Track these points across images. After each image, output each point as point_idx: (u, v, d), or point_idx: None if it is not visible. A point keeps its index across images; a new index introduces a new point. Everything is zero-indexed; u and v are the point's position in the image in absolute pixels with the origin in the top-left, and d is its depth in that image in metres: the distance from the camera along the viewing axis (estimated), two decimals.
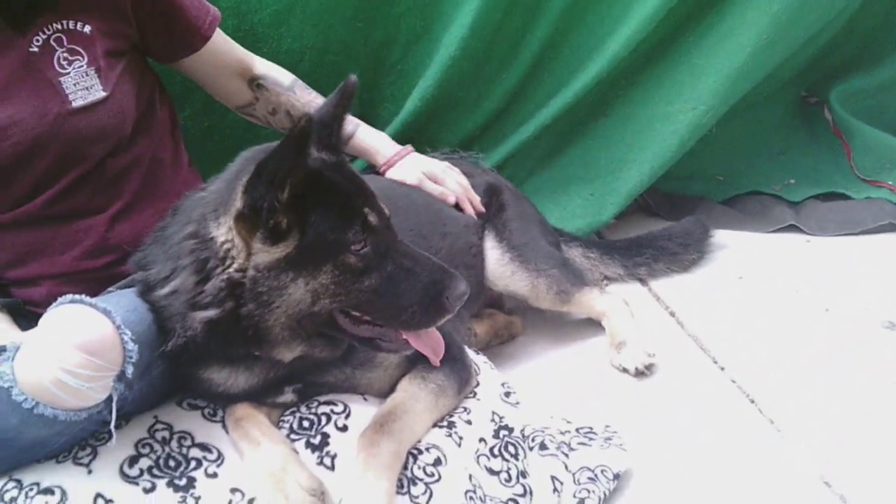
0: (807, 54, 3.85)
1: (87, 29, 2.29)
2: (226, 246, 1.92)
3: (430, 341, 2.11)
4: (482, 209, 2.90)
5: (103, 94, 2.30)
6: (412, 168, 2.87)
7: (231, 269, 1.94)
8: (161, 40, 2.52)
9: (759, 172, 3.94)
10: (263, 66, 2.81)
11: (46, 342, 1.84)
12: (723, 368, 2.79)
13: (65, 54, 2.26)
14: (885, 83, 4.07)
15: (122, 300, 2.05)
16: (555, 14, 3.38)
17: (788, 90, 4.08)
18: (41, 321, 1.91)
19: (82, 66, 2.28)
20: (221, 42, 2.68)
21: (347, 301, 1.96)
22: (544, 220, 3.17)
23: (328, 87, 3.16)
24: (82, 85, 2.27)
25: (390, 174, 2.87)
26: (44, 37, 2.24)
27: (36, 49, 2.24)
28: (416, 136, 3.37)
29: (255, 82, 2.78)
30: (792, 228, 3.66)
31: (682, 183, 3.88)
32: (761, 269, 3.39)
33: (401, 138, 3.27)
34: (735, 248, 3.55)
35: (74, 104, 2.26)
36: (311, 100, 2.82)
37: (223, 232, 1.92)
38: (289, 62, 3.11)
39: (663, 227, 3.56)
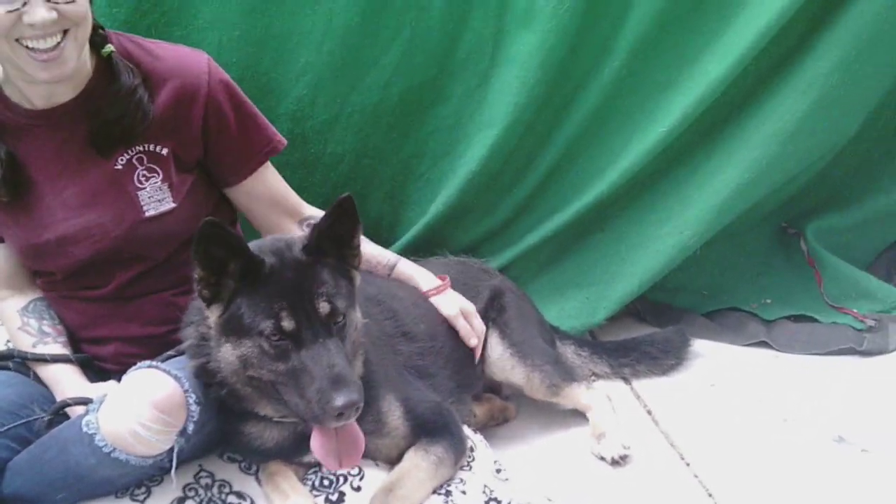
0: (786, 193, 4.07)
1: (164, 151, 2.51)
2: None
3: (330, 443, 2.19)
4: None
5: (172, 205, 2.52)
6: (453, 301, 2.97)
7: (203, 324, 2.27)
8: (221, 164, 2.66)
9: (738, 291, 4.09)
10: (310, 209, 2.87)
11: (127, 399, 2.12)
12: (688, 464, 2.97)
13: (143, 172, 2.49)
14: (855, 223, 4.24)
15: (182, 363, 2.33)
16: (563, 142, 3.65)
17: (769, 221, 4.26)
18: (123, 380, 2.22)
19: (157, 181, 2.50)
20: (272, 177, 2.78)
21: (270, 376, 2.14)
22: (542, 319, 3.42)
23: (362, 186, 3.57)
24: (156, 198, 2.50)
25: (448, 297, 2.98)
26: (127, 157, 2.48)
27: (120, 167, 2.48)
28: (435, 237, 3.69)
29: (304, 222, 2.82)
30: (763, 344, 3.79)
31: (669, 294, 4.04)
32: (732, 378, 3.54)
33: (423, 238, 3.65)
34: (710, 357, 3.71)
35: (147, 214, 2.50)
36: (375, 254, 2.96)
37: None
38: (330, 163, 3.50)
39: (648, 332, 3.76)
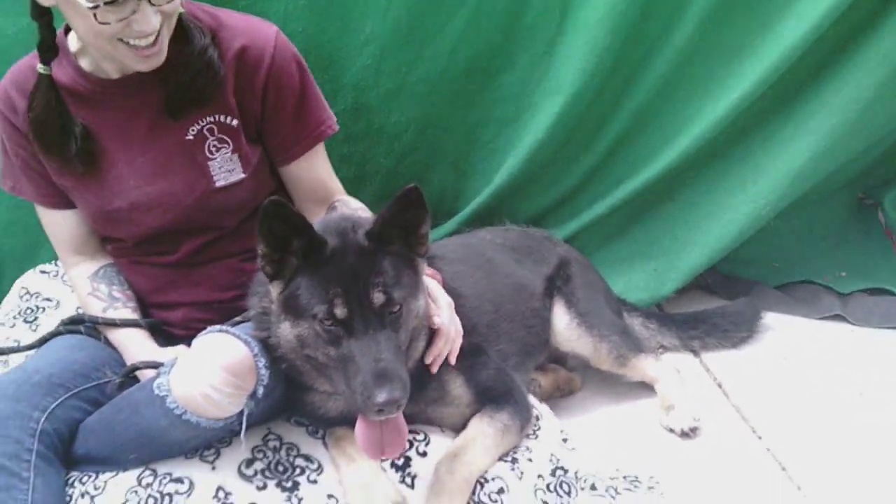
0: (863, 162, 3.96)
1: (235, 123, 2.49)
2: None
3: (374, 433, 2.14)
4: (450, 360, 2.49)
5: (242, 175, 2.52)
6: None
7: (266, 298, 2.25)
8: (270, 143, 2.62)
9: (812, 263, 4.02)
10: (341, 194, 2.79)
11: (199, 362, 2.12)
12: (760, 437, 2.95)
13: (214, 142, 2.48)
14: None
15: (251, 329, 2.33)
16: (632, 111, 3.57)
17: (846, 191, 4.16)
18: (193, 344, 2.21)
19: (227, 152, 2.50)
20: (318, 164, 2.72)
21: (323, 358, 2.12)
22: (609, 289, 3.38)
23: (427, 156, 3.56)
24: (226, 168, 2.50)
25: None
26: (198, 127, 2.47)
27: (191, 137, 2.47)
28: (500, 207, 3.66)
29: (331, 204, 2.74)
30: (838, 317, 3.71)
31: (740, 266, 3.97)
32: (805, 353, 3.48)
33: (487, 209, 3.62)
34: (783, 330, 3.64)
35: (217, 184, 2.50)
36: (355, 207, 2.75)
37: None
38: (394, 132, 3.47)
39: (718, 305, 3.70)
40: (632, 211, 3.80)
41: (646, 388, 3.18)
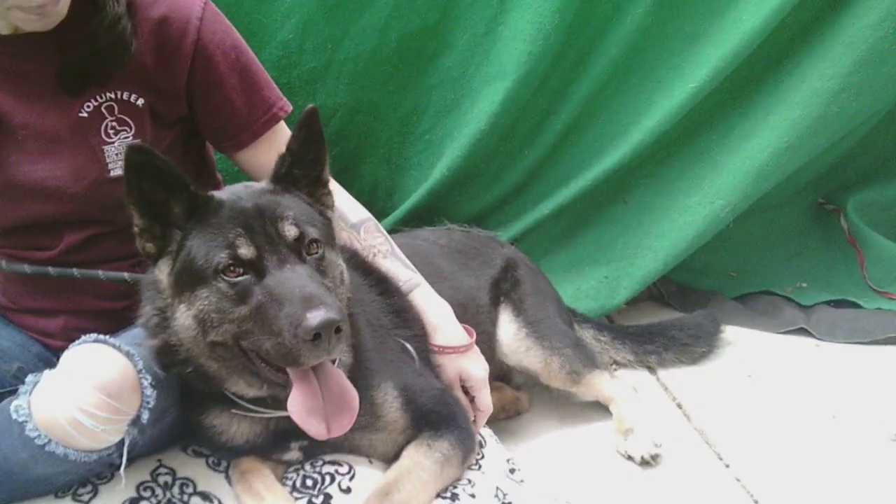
0: (826, 161, 3.92)
1: (141, 102, 2.28)
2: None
3: (312, 399, 1.89)
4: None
5: None
6: (481, 363, 2.55)
7: (159, 296, 2.00)
8: (209, 128, 2.45)
9: (771, 273, 3.93)
10: (338, 197, 2.49)
11: (66, 379, 1.87)
12: (727, 465, 2.75)
13: (113, 123, 2.25)
14: None
15: (139, 338, 2.04)
16: (580, 98, 3.47)
17: (806, 195, 4.12)
18: (63, 357, 1.93)
19: (128, 136, 2.26)
20: (279, 147, 2.48)
21: (232, 328, 1.88)
22: (559, 298, 3.18)
23: (356, 146, 3.33)
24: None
25: (459, 361, 2.50)
26: (95, 104, 2.24)
27: (85, 115, 2.23)
28: (438, 205, 3.46)
29: None
30: (801, 331, 3.61)
31: (696, 276, 3.89)
32: (770, 369, 3.33)
33: (425, 207, 3.41)
34: (744, 345, 3.51)
35: (113, 173, 2.25)
36: (374, 244, 2.55)
37: None
38: (321, 118, 3.17)
39: (675, 317, 3.60)
40: (580, 212, 3.68)
41: (599, 408, 2.96)
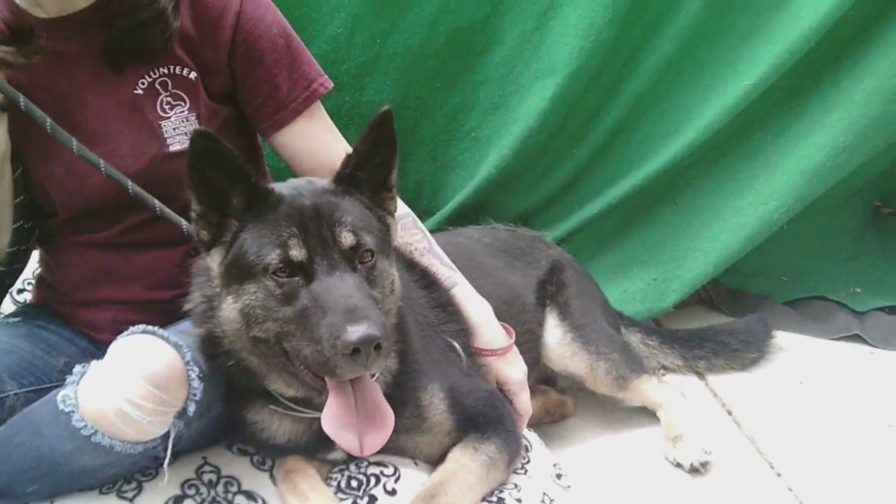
0: (884, 163, 3.77)
1: (193, 75, 2.25)
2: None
3: (346, 411, 1.84)
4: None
5: None
6: (519, 365, 2.49)
7: (208, 284, 1.98)
8: (250, 106, 2.38)
9: (825, 277, 3.86)
10: None
11: (114, 370, 1.84)
12: (779, 475, 2.69)
13: (168, 98, 2.23)
14: None
15: (187, 328, 2.03)
16: (631, 96, 3.40)
17: (862, 198, 4.00)
18: (111, 348, 1.90)
19: (184, 111, 2.24)
20: (317, 129, 2.45)
21: (275, 327, 1.85)
22: (606, 301, 3.13)
23: (402, 144, 3.19)
24: (182, 130, 2.24)
25: (497, 364, 2.45)
26: (149, 80, 2.22)
27: (140, 91, 2.21)
28: (483, 205, 3.41)
29: None
30: (855, 338, 3.55)
31: (746, 279, 3.81)
32: (823, 376, 3.27)
33: (471, 206, 3.36)
34: (796, 351, 3.44)
35: (171, 148, 2.23)
36: (411, 242, 2.50)
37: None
38: (367, 114, 3.20)
39: (725, 322, 3.52)
40: (629, 213, 3.61)
41: (646, 414, 2.92)
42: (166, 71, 2.22)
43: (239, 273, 1.87)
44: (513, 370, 2.44)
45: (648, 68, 3.36)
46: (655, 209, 3.58)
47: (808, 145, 3.40)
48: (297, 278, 1.82)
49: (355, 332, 1.67)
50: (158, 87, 2.22)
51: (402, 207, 2.47)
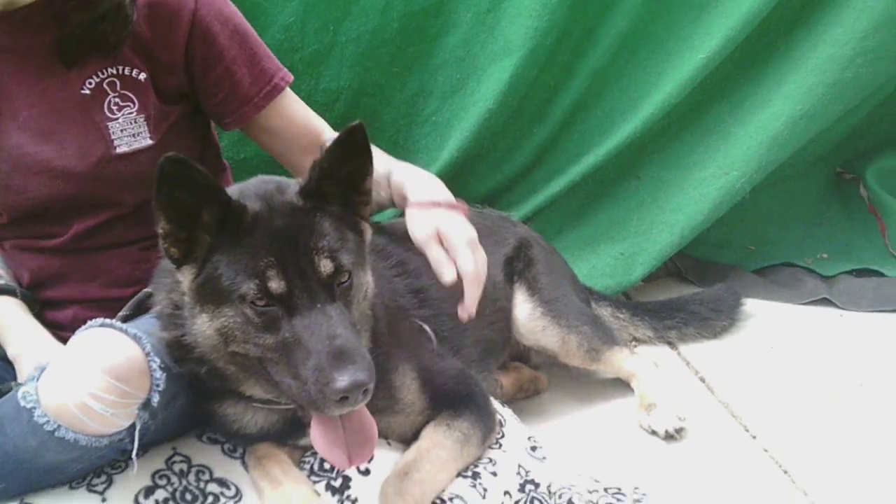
0: (843, 129, 3.82)
1: (143, 77, 2.23)
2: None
3: (334, 434, 1.85)
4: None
5: (149, 142, 2.24)
6: (428, 221, 2.30)
7: (176, 290, 1.93)
8: (211, 102, 2.39)
9: (791, 244, 3.87)
10: (330, 132, 2.54)
11: (74, 364, 1.81)
12: (754, 437, 2.69)
13: (116, 99, 2.20)
14: None
15: (150, 327, 1.99)
16: (589, 74, 3.39)
17: (823, 164, 4.03)
18: (70, 342, 1.88)
19: (132, 112, 2.22)
20: (287, 114, 2.47)
21: (257, 351, 1.82)
22: (574, 276, 3.12)
23: None
24: (129, 132, 2.22)
25: (435, 218, 2.30)
26: (97, 80, 2.20)
27: (87, 91, 2.19)
28: (449, 186, 3.17)
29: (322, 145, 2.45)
30: (824, 302, 3.56)
31: (714, 250, 3.81)
32: (793, 340, 3.28)
33: None
34: (766, 317, 3.45)
35: (118, 150, 2.21)
36: None
37: None
38: (325, 101, 3.18)
39: (694, 292, 3.51)
40: (593, 189, 3.60)
41: (620, 385, 2.92)
42: (115, 71, 2.20)
43: (213, 295, 1.82)
44: (455, 224, 2.27)
45: (604, 45, 3.34)
46: (619, 184, 3.58)
47: (766, 115, 3.41)
48: (275, 308, 1.78)
49: (343, 380, 1.67)
50: (107, 87, 2.20)
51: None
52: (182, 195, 1.75)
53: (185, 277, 1.86)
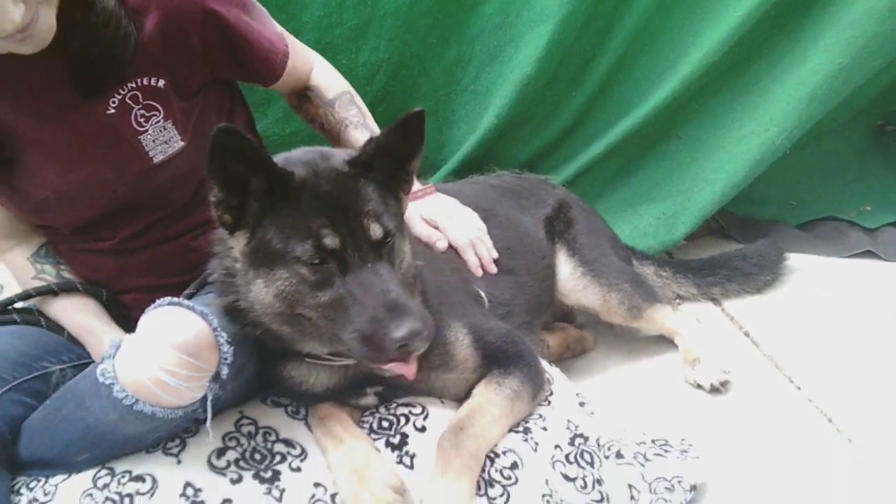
0: (884, 82, 3.72)
1: (162, 83, 2.20)
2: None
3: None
4: (492, 268, 2.58)
5: (181, 144, 2.24)
6: (443, 201, 2.61)
7: (228, 256, 2.01)
8: (235, 76, 2.46)
9: (833, 198, 3.85)
10: (315, 78, 2.61)
11: (146, 342, 1.87)
12: (799, 388, 2.73)
13: (141, 111, 2.18)
14: None
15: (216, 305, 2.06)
16: (625, 37, 3.36)
17: (864, 118, 3.96)
18: (140, 321, 1.94)
19: (159, 120, 2.20)
20: (291, 72, 2.51)
21: (313, 312, 1.91)
22: (615, 236, 3.14)
23: (402, 101, 3.28)
24: (161, 139, 2.21)
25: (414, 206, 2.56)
26: (119, 97, 2.16)
27: (113, 111, 2.16)
28: (488, 156, 3.40)
29: (302, 93, 2.62)
30: (868, 254, 3.54)
31: (755, 207, 3.79)
32: (838, 293, 3.28)
33: (475, 158, 3.36)
34: (810, 271, 3.44)
35: (155, 160, 2.21)
36: (346, 117, 2.57)
37: None
38: (365, 75, 3.20)
39: (737, 248, 3.49)
40: (633, 151, 3.57)
41: (664, 342, 2.96)
42: (134, 85, 2.17)
43: (266, 258, 1.90)
44: (432, 206, 2.53)
45: (639, 8, 3.29)
46: (658, 145, 3.55)
47: (804, 70, 3.34)
48: (329, 265, 1.86)
49: (401, 329, 1.77)
50: (129, 101, 2.17)
51: (339, 86, 2.61)
52: (233, 164, 1.82)
53: (239, 243, 1.94)
